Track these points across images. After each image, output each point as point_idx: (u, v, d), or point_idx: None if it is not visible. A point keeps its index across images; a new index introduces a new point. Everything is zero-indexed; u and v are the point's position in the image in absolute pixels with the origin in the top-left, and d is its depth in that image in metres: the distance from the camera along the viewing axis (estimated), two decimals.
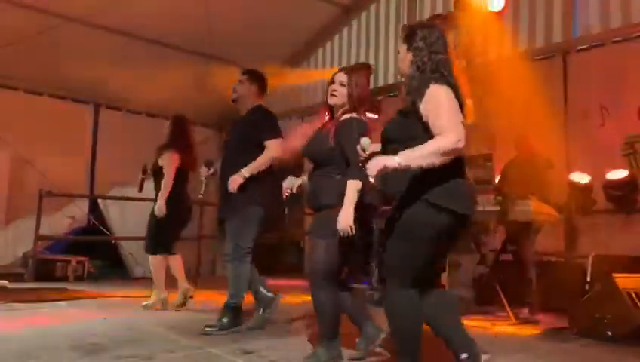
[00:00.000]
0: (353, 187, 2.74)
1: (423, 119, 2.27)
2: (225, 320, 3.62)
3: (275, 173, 3.84)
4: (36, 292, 5.30)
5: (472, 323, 4.14)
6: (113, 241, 8.25)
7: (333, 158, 2.87)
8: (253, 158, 3.73)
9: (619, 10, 5.57)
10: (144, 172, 4.80)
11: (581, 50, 5.85)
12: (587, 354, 3.46)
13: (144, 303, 4.60)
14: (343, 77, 2.99)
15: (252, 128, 3.83)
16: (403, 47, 2.45)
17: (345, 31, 8.31)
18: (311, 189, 3.00)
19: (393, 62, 7.52)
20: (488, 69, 5.95)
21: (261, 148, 3.77)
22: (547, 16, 6.10)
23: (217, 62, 7.52)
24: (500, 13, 5.93)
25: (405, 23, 7.37)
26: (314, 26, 8.35)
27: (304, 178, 3.16)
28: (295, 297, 5.44)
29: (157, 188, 4.67)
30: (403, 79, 2.49)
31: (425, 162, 2.18)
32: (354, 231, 2.68)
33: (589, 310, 3.89)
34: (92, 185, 8.32)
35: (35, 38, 6.45)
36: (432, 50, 2.37)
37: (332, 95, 2.98)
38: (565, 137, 5.63)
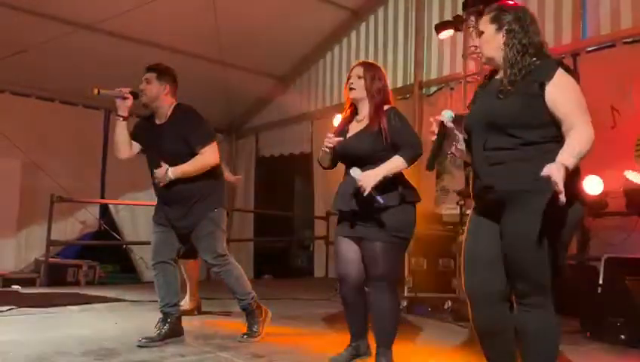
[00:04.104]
0: (398, 164, 2.73)
1: (549, 104, 2.04)
2: (255, 326, 3.55)
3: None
4: (48, 296, 5.33)
5: None
6: (124, 246, 8.30)
7: (384, 157, 2.78)
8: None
9: (629, 11, 5.53)
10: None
11: (591, 51, 5.82)
12: (600, 357, 3.43)
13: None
14: (359, 70, 2.93)
15: (183, 137, 3.35)
16: (490, 27, 2.20)
17: (353, 34, 8.32)
18: (358, 188, 2.76)
19: (401, 65, 7.52)
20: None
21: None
22: (556, 17, 6.07)
23: (228, 68, 7.56)
24: None
25: (413, 26, 7.37)
26: (323, 29, 8.36)
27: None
28: (305, 301, 5.45)
29: None
30: (485, 62, 2.30)
31: (578, 161, 1.94)
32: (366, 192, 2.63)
33: (602, 313, 3.85)
34: (103, 190, 8.38)
35: (47, 45, 6.51)
36: (529, 32, 2.15)
37: (351, 89, 2.93)
38: None
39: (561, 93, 2.04)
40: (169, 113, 3.46)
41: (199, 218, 3.44)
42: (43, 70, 7.22)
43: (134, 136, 3.54)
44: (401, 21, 7.67)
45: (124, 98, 3.41)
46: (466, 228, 2.33)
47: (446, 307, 4.92)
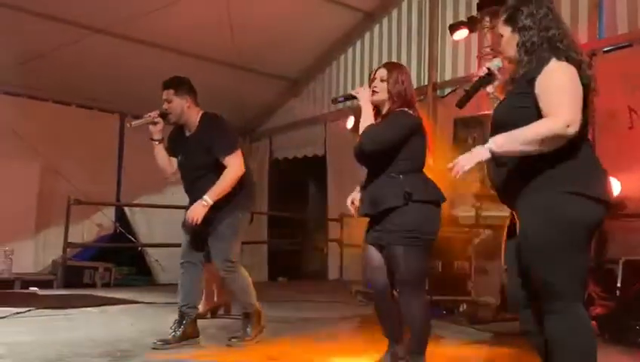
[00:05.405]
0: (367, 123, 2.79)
1: (538, 100, 1.99)
2: (249, 329, 3.53)
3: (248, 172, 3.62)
4: (65, 298, 5.39)
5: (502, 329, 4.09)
6: (139, 248, 8.37)
7: (391, 158, 2.78)
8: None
9: None
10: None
11: (608, 51, 5.76)
12: (618, 360, 3.38)
13: None
14: (383, 72, 2.90)
15: (208, 148, 3.38)
16: (506, 29, 2.14)
17: (367, 36, 8.32)
18: (369, 192, 2.82)
19: (415, 66, 7.49)
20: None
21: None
22: (573, 17, 6.01)
23: (242, 71, 7.59)
24: None
25: (427, 27, 7.35)
26: (336, 32, 8.37)
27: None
28: (320, 303, 5.44)
29: None
30: (509, 62, 2.21)
31: (523, 149, 1.93)
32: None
33: (620, 316, 3.81)
34: (119, 193, 8.46)
35: (63, 49, 6.59)
36: (541, 27, 2.06)
37: (374, 92, 2.88)
38: (593, 140, 5.52)
39: (543, 85, 1.97)
40: (197, 123, 3.49)
41: (218, 221, 3.42)
42: (59, 74, 7.31)
43: (169, 150, 3.58)
44: (415, 22, 7.65)
45: (155, 123, 3.46)
46: None
47: (461, 309, 4.89)
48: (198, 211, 3.28)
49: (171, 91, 3.45)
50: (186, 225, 3.46)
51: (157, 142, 3.50)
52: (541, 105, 1.97)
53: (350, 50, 8.58)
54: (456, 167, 2.02)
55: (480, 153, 2.00)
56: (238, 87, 7.48)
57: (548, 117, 1.93)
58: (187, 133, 3.54)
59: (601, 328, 3.92)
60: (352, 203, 2.97)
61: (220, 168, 3.36)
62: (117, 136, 8.54)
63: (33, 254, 7.65)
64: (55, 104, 8.00)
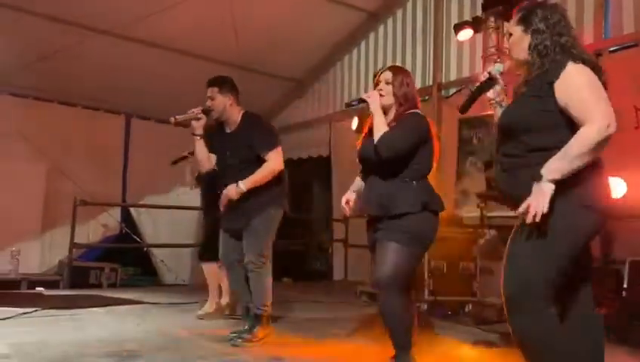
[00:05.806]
0: (381, 129, 2.78)
1: (561, 105, 1.99)
2: (256, 330, 3.57)
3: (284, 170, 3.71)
4: (71, 298, 5.41)
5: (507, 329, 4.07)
6: (145, 249, 8.39)
7: (405, 163, 2.78)
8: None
9: None
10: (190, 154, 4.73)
11: (614, 51, 5.73)
12: (624, 361, 3.38)
13: (199, 312, 4.52)
14: (387, 75, 2.92)
15: (249, 144, 3.55)
16: (517, 29, 2.17)
17: (371, 37, 8.31)
18: (379, 194, 2.82)
19: (420, 67, 7.48)
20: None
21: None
22: (578, 16, 5.99)
23: (246, 72, 7.59)
24: None
25: (432, 27, 7.34)
26: (341, 32, 8.37)
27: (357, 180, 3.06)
28: (326, 304, 5.44)
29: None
30: (516, 64, 2.24)
31: (575, 166, 1.90)
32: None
33: (627, 317, 3.79)
34: (124, 193, 8.48)
35: (69, 51, 6.62)
36: (554, 32, 2.08)
37: (380, 95, 2.89)
38: None
39: (567, 91, 1.98)
40: (238, 121, 3.64)
41: (252, 216, 3.53)
42: (65, 76, 7.34)
43: (208, 146, 3.67)
44: (420, 22, 7.63)
45: (198, 119, 3.57)
46: None
47: (466, 310, 4.88)
48: (232, 192, 3.43)
49: (215, 89, 3.61)
50: (224, 226, 3.65)
51: (198, 137, 3.61)
52: (575, 113, 1.96)
53: (355, 51, 8.56)
54: (532, 211, 1.92)
55: (546, 189, 1.91)
56: (243, 88, 7.39)
57: (583, 125, 1.92)
58: (227, 130, 3.67)
59: (607, 328, 3.91)
60: (347, 203, 3.00)
61: (259, 165, 3.50)
62: (122, 136, 8.57)
63: (39, 255, 7.68)
64: (61, 105, 8.03)
